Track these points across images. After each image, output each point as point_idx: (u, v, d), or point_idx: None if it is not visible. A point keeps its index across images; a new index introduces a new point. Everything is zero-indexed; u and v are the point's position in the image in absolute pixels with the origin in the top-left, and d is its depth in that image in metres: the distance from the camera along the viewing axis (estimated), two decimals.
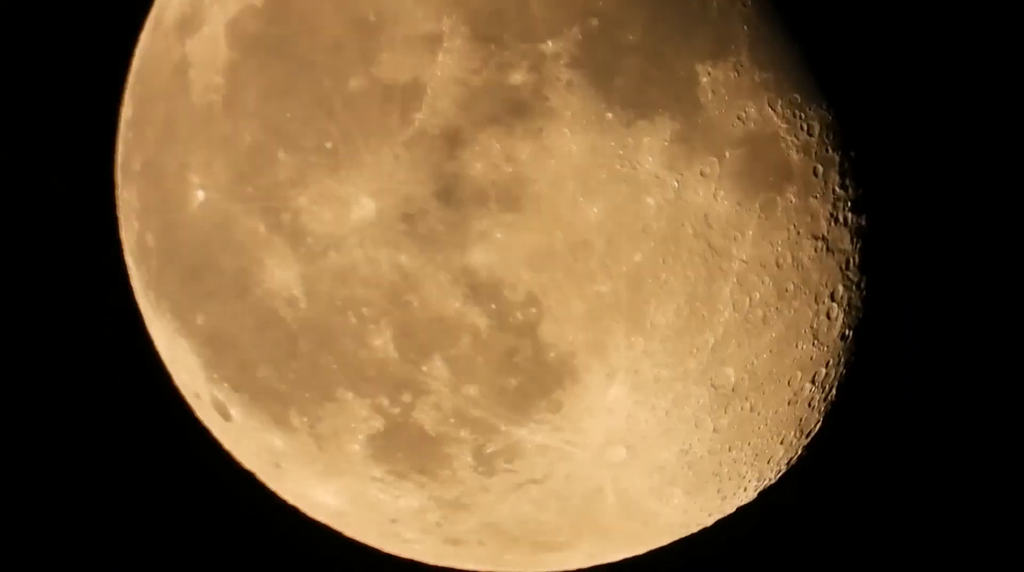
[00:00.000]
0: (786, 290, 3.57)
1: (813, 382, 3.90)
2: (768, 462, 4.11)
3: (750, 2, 3.46)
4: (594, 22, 3.25)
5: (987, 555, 6.56)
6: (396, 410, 3.44)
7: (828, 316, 3.76)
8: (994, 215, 6.09)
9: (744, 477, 4.09)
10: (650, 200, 3.28)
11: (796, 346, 3.71)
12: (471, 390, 3.35)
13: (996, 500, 6.52)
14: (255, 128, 3.39)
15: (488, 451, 3.54)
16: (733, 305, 3.45)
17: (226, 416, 3.90)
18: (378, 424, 3.49)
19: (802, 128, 3.52)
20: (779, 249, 3.51)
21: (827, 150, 3.60)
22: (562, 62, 3.21)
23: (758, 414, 3.80)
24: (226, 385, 3.75)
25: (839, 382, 4.06)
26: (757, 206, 3.41)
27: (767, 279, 3.50)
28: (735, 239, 3.42)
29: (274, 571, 6.68)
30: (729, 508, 4.36)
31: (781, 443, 4.05)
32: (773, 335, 3.60)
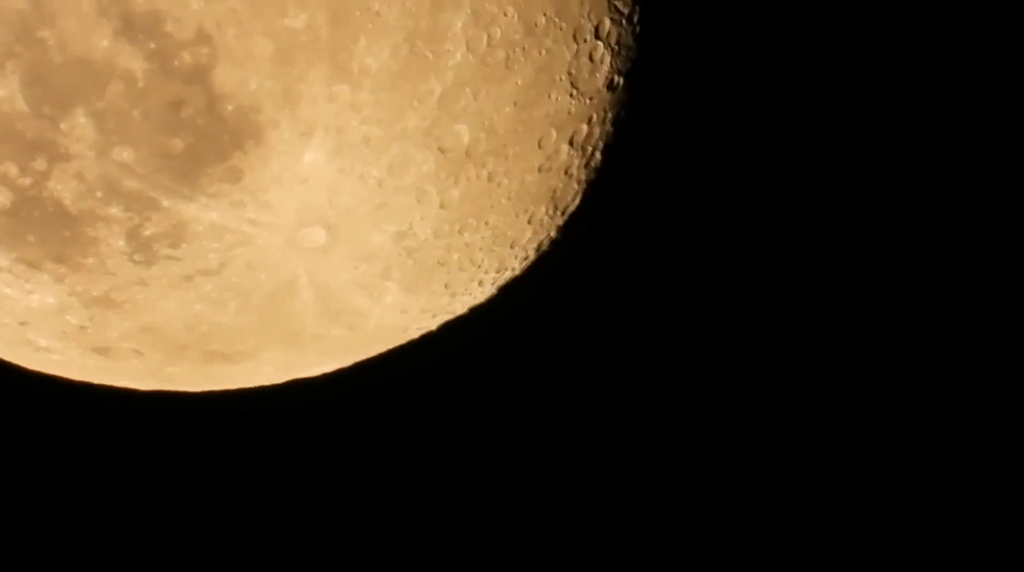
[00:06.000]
0: (535, 24, 4.11)
1: (571, 143, 4.56)
2: (511, 247, 4.83)
3: None
4: None
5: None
6: (26, 181, 3.87)
7: (591, 58, 4.37)
8: None
9: (480, 267, 4.81)
10: None
11: (549, 97, 4.31)
12: (124, 154, 3.82)
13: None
14: None
15: (146, 233, 4.05)
16: (467, 44, 4.00)
17: None
18: (2, 198, 3.91)
19: None
20: None
21: None
22: None
23: (499, 185, 4.43)
24: None
25: (605, 143, 4.74)
26: None
27: (511, 10, 4.03)
28: None
29: None
30: (460, 308, 5.11)
31: (529, 222, 4.75)
32: (519, 82, 4.18)
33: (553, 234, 5.03)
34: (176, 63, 3.73)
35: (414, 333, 5.19)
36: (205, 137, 3.87)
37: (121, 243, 4.09)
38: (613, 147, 4.85)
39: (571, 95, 4.42)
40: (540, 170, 4.56)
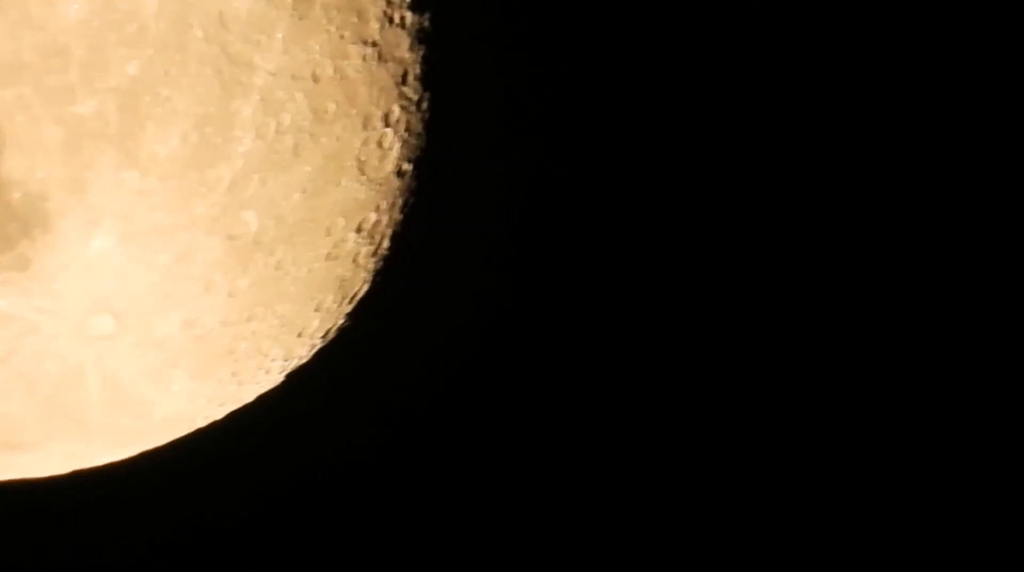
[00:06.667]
0: (325, 111, 4.23)
1: (359, 231, 4.63)
2: (299, 335, 4.86)
3: None
4: None
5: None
6: None
7: (380, 145, 4.47)
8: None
9: (267, 356, 4.84)
10: None
11: (338, 184, 4.40)
12: None
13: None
14: None
15: None
16: (256, 131, 4.09)
17: None
18: None
19: None
20: (316, 57, 4.14)
21: None
22: None
23: (287, 273, 4.48)
24: None
25: (394, 231, 4.81)
26: (288, 2, 4.03)
27: (300, 96, 4.14)
28: (259, 45, 4.02)
29: None
30: (247, 396, 5.10)
31: (316, 310, 4.80)
32: (308, 170, 4.28)
33: (342, 321, 5.03)
34: None
35: (201, 422, 5.14)
36: None
37: None
38: (402, 234, 4.89)
39: (360, 182, 4.49)
40: (328, 258, 4.60)
